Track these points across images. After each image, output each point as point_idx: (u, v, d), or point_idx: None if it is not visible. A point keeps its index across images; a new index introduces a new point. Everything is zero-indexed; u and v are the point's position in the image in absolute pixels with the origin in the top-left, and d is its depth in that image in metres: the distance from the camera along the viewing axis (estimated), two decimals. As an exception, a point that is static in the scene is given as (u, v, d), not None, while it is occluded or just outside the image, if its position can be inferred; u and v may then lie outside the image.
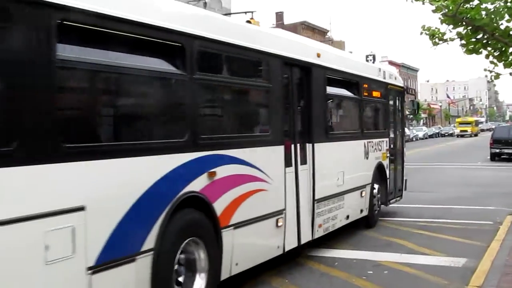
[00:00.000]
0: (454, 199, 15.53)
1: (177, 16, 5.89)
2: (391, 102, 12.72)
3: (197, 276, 6.00)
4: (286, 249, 7.87)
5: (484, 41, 13.48)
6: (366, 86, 11.08)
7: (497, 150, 30.52)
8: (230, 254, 6.47)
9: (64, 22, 4.47)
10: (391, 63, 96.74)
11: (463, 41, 13.61)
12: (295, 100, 8.33)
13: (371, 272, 8.25)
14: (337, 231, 10.05)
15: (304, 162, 8.43)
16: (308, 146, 8.58)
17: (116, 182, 4.90)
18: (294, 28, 60.65)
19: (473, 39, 13.41)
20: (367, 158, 10.96)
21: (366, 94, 11.15)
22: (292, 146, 8.13)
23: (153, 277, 5.24)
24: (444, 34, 14.05)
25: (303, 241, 8.40)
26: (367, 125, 11.30)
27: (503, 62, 13.68)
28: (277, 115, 7.75)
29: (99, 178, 4.74)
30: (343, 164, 9.78)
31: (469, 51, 13.54)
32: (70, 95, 4.77)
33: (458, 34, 13.64)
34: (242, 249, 6.74)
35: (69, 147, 4.48)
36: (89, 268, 4.58)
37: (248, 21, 8.73)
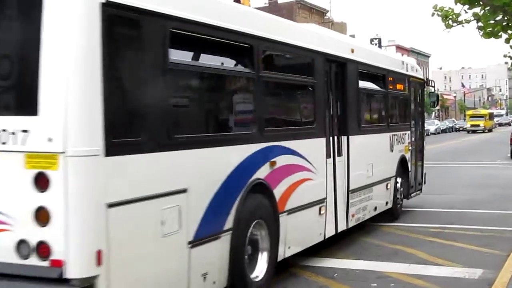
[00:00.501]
0: (470, 202, 15.60)
1: (249, 20, 7.53)
2: (412, 95, 14.23)
3: (260, 255, 7.54)
4: (326, 236, 9.46)
5: (504, 23, 13.52)
6: (391, 79, 12.75)
7: (519, 147, 30.57)
8: (285, 238, 8.01)
9: (174, 30, 5.92)
10: (399, 47, 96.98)
11: (480, 23, 13.66)
12: (333, 94, 9.95)
13: (375, 284, 8.29)
14: (335, 238, 10.09)
15: (340, 153, 10.01)
16: (343, 139, 10.14)
17: (209, 168, 6.46)
18: (290, 7, 60.70)
19: (492, 21, 13.45)
20: (392, 151, 12.58)
21: (391, 87, 12.82)
22: (331, 138, 9.73)
23: (231, 253, 6.78)
24: (458, 15, 14.12)
25: (339, 230, 9.93)
26: (392, 118, 12.88)
27: (525, 47, 13.74)
28: (320, 108, 9.36)
29: (197, 164, 6.25)
30: (372, 156, 11.41)
31: (487, 35, 13.59)
32: (178, 94, 6.36)
33: (475, 15, 13.68)
34: (293, 233, 8.27)
35: (178, 137, 5.98)
36: (189, 243, 6.07)
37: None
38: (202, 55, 6.68)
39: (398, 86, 13.33)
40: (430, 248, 10.36)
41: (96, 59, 4.98)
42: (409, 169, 13.69)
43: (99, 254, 4.92)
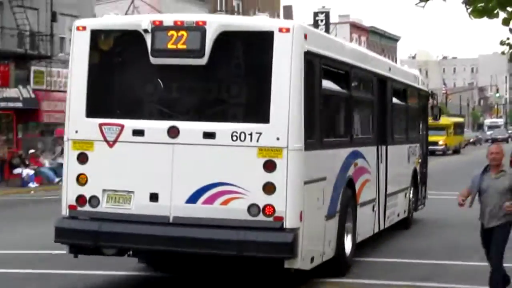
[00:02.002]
0: (451, 250, 16.05)
1: (349, 53, 14.60)
2: (421, 107, 21.31)
3: (346, 236, 13.51)
4: (374, 231, 15.93)
5: (501, -2, 13.84)
6: (409, 93, 19.81)
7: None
8: (358, 226, 14.19)
9: (323, 66, 12.65)
10: (355, 25, 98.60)
11: (468, -3, 13.96)
12: (378, 108, 16.30)
13: None
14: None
15: (381, 161, 16.32)
16: (383, 148, 16.50)
17: (333, 163, 13.15)
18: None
19: (484, -6, 13.78)
20: (408, 161, 19.46)
21: (409, 100, 19.73)
22: (377, 147, 16.15)
23: (338, 228, 13.03)
24: (438, -16, 14.41)
25: (380, 228, 16.33)
26: (409, 130, 19.62)
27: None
28: (373, 120, 16.04)
29: (330, 159, 13.02)
30: (399, 165, 18.06)
31: (478, 14, 13.85)
32: (326, 110, 13.06)
33: (461, -15, 13.98)
34: (362, 223, 14.52)
35: (325, 141, 12.67)
36: (325, 216, 12.52)
37: None
38: (329, 81, 13.11)
39: (413, 100, 20.45)
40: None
41: (302, 89, 11.24)
42: (418, 181, 20.54)
43: (301, 213, 11.12)
